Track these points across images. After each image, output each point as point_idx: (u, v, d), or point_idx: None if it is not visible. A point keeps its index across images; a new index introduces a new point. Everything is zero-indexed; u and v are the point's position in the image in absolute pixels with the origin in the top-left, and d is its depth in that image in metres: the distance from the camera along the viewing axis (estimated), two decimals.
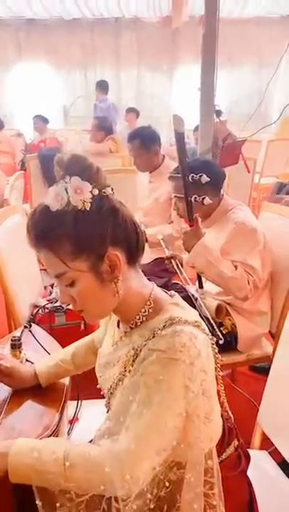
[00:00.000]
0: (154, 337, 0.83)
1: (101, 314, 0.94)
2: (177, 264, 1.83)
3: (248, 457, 1.04)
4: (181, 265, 1.84)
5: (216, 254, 1.63)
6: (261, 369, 2.28)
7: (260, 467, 1.24)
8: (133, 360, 0.86)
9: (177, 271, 1.80)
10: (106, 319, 1.06)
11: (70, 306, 0.90)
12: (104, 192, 0.83)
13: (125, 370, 0.88)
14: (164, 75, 9.07)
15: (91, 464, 0.78)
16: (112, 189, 0.85)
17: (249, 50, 8.41)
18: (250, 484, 1.02)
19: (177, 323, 0.82)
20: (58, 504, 0.77)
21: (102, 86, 6.59)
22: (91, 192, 0.80)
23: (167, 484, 0.84)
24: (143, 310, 0.88)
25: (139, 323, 0.89)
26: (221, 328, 1.73)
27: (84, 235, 0.80)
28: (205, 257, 1.61)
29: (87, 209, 0.80)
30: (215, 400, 0.91)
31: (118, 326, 0.98)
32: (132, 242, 0.86)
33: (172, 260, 1.86)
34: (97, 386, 1.02)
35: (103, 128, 4.36)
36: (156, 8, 7.64)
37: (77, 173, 0.80)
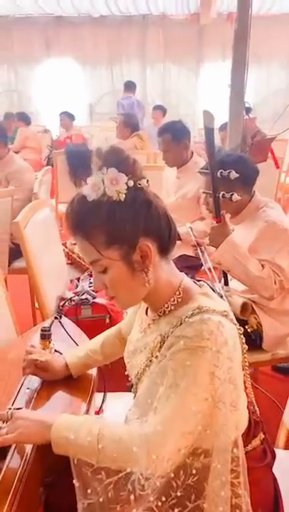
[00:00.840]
0: (181, 324, 0.85)
1: (131, 302, 0.96)
2: (202, 252, 1.81)
3: (273, 453, 1.04)
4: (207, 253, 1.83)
5: (244, 252, 1.61)
6: (284, 369, 2.26)
7: (285, 467, 1.23)
8: (160, 347, 0.89)
9: (201, 258, 1.79)
10: (135, 307, 1.09)
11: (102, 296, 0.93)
12: (139, 184, 0.85)
13: (152, 356, 0.91)
14: (191, 72, 9.02)
15: (121, 446, 0.81)
16: (148, 181, 0.87)
17: (277, 47, 8.27)
18: (275, 480, 1.02)
19: (205, 312, 0.84)
20: (89, 491, 0.80)
21: (128, 86, 6.67)
22: (126, 183, 0.83)
23: (194, 472, 0.86)
24: (172, 299, 0.91)
25: (167, 312, 0.92)
26: (246, 327, 1.72)
27: (117, 225, 0.83)
28: (232, 254, 1.60)
29: (122, 200, 0.82)
30: (241, 389, 0.92)
31: (146, 313, 1.00)
32: (164, 234, 0.88)
33: (198, 247, 1.85)
34: (126, 373, 1.05)
35: (129, 125, 4.38)
36: (184, 5, 7.60)
37: (115, 165, 0.83)
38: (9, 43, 8.72)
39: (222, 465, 0.83)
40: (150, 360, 0.91)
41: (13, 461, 0.89)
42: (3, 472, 0.86)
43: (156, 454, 0.79)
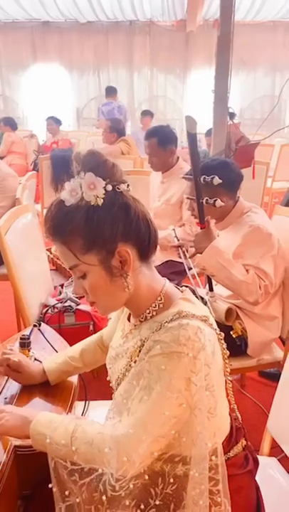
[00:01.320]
0: (160, 329, 0.84)
1: (112, 307, 0.96)
2: (184, 253, 1.81)
3: (256, 461, 1.03)
4: (189, 255, 1.82)
5: (228, 257, 1.61)
6: (271, 375, 2.26)
7: (268, 474, 1.22)
8: (139, 351, 0.88)
9: (183, 260, 1.78)
10: (118, 314, 1.08)
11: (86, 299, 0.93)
12: (118, 188, 0.84)
13: (131, 361, 0.90)
14: (177, 77, 9.09)
15: (93, 447, 0.82)
16: (128, 185, 0.86)
17: (262, 54, 8.39)
18: (258, 488, 1.01)
19: (184, 317, 0.83)
20: (66, 492, 0.82)
21: (109, 91, 6.81)
22: (104, 188, 0.82)
23: (172, 480, 0.85)
24: (153, 304, 0.90)
25: (149, 317, 0.91)
26: (231, 332, 1.71)
27: (95, 230, 0.82)
28: (216, 259, 1.59)
29: (100, 204, 0.81)
30: (222, 394, 0.91)
31: (129, 319, 1.00)
32: (144, 239, 0.87)
33: (180, 248, 1.85)
34: (107, 378, 1.04)
35: (115, 130, 4.39)
36: (171, 12, 7.67)
37: (93, 169, 0.82)
38: None
39: (200, 473, 0.82)
40: (130, 365, 0.91)
41: None
42: None
43: (127, 456, 0.79)
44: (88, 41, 8.60)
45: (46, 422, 0.87)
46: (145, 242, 0.87)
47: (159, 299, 0.90)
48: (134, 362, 0.89)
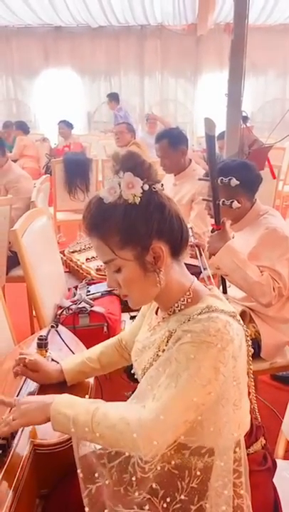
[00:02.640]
0: (189, 321, 0.87)
1: (143, 301, 0.99)
2: (200, 252, 1.81)
3: (274, 462, 1.04)
4: (205, 255, 1.83)
5: (243, 258, 1.61)
6: (284, 378, 2.25)
7: (284, 477, 1.21)
8: (167, 341, 0.91)
9: (199, 260, 1.78)
10: (143, 311, 1.11)
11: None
12: (154, 187, 0.88)
13: (159, 350, 0.93)
14: (188, 81, 9.11)
15: (116, 432, 0.83)
16: (162, 185, 0.90)
17: (274, 57, 8.38)
18: (275, 489, 1.02)
19: (214, 311, 0.86)
20: (96, 474, 0.84)
21: (114, 97, 7.05)
22: (142, 187, 0.85)
23: (198, 473, 0.87)
24: (182, 299, 0.93)
25: (177, 311, 0.94)
26: None
27: (132, 227, 0.86)
28: (231, 259, 1.59)
29: (137, 203, 0.85)
30: (244, 389, 0.93)
31: (156, 313, 1.02)
32: (177, 237, 0.91)
33: (196, 248, 1.85)
34: (132, 371, 1.06)
35: (132, 130, 4.51)
36: (182, 15, 7.69)
37: (131, 169, 0.86)
38: (9, 53, 8.80)
39: (225, 463, 0.85)
40: (157, 355, 0.93)
41: (8, 472, 0.87)
42: None
43: (157, 440, 0.81)
44: (100, 46, 8.67)
45: (66, 402, 0.90)
46: (178, 239, 0.91)
47: (188, 294, 0.93)
48: (162, 351, 0.92)
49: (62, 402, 0.90)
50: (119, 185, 0.85)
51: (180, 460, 0.89)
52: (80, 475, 0.84)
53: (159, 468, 0.84)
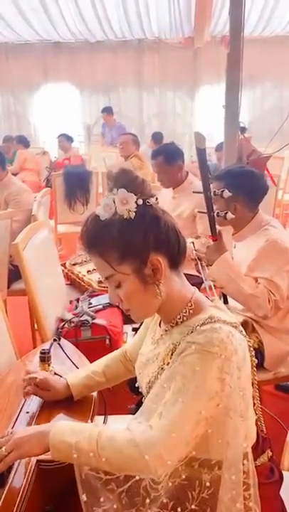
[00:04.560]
0: (192, 332, 0.87)
1: (146, 314, 0.99)
2: (203, 267, 1.82)
3: (281, 475, 1.03)
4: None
5: (237, 270, 1.62)
6: (288, 388, 2.23)
7: None
8: (172, 354, 0.91)
9: (202, 274, 1.79)
10: (146, 323, 1.11)
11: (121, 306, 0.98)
12: (148, 202, 0.89)
13: (164, 364, 0.93)
14: (186, 93, 9.20)
15: (125, 455, 0.82)
16: (157, 198, 0.91)
17: (270, 68, 8.47)
18: (283, 502, 1.01)
19: (217, 322, 0.86)
20: (101, 499, 0.82)
21: (109, 110, 7.30)
22: (136, 202, 0.87)
23: (208, 484, 0.87)
24: (184, 310, 0.94)
25: (179, 322, 0.94)
26: None
27: (128, 241, 0.87)
28: (226, 272, 1.60)
29: (132, 218, 0.86)
30: (250, 400, 0.93)
31: (160, 325, 1.03)
32: (174, 248, 0.92)
33: (199, 262, 1.86)
34: (136, 385, 1.06)
35: (137, 143, 4.55)
36: (178, 29, 7.80)
37: (125, 185, 0.87)
38: (8, 69, 8.90)
39: (235, 475, 0.84)
40: (162, 368, 0.93)
41: (12, 489, 0.87)
42: (1, 500, 0.84)
43: (171, 459, 0.81)
44: (98, 60, 8.78)
45: (66, 429, 0.87)
46: (175, 250, 0.92)
47: (189, 305, 0.94)
48: (167, 364, 0.91)
49: (62, 429, 0.87)
50: (114, 202, 0.87)
51: (189, 472, 0.88)
52: (84, 499, 0.82)
53: (170, 484, 0.84)
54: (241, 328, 0.92)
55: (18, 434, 0.90)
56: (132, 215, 0.86)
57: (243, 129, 2.64)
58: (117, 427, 0.89)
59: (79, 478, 0.83)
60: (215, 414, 0.83)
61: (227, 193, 1.59)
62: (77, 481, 0.83)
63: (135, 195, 0.87)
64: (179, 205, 2.62)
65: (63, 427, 0.88)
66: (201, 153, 1.46)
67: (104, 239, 0.88)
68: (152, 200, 0.90)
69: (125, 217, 0.86)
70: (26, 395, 1.13)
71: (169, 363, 0.91)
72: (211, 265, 1.65)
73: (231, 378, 0.82)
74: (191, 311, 0.93)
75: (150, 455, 0.80)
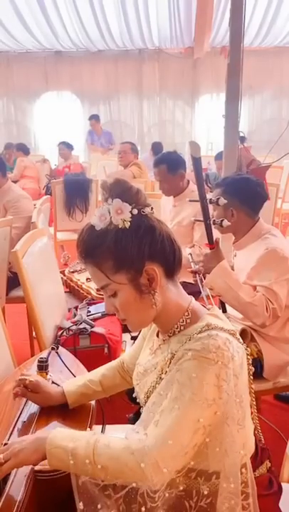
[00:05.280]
0: (190, 340, 0.87)
1: (142, 323, 0.99)
2: (201, 279, 1.82)
3: (280, 487, 1.02)
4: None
5: (235, 278, 1.61)
6: (287, 398, 2.22)
7: None
8: (170, 363, 0.91)
9: (200, 285, 1.79)
10: (143, 333, 1.11)
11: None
12: (143, 211, 0.89)
13: (162, 373, 0.93)
14: (186, 102, 9.27)
15: (121, 463, 0.81)
16: (152, 208, 0.92)
17: (269, 79, 8.55)
18: None
19: (214, 329, 0.86)
20: (99, 506, 0.82)
21: (97, 118, 7.50)
22: (131, 212, 0.87)
23: (206, 493, 0.86)
24: (181, 320, 0.94)
25: (177, 332, 0.94)
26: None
27: (124, 251, 0.87)
28: (223, 279, 1.60)
29: (127, 227, 0.86)
30: (247, 408, 0.93)
31: (157, 335, 1.02)
32: (169, 257, 0.92)
33: (197, 275, 1.86)
34: (133, 395, 1.05)
35: (136, 151, 4.59)
36: (179, 39, 7.89)
37: (120, 195, 0.88)
38: (10, 77, 8.98)
39: (234, 484, 0.84)
40: (160, 378, 0.93)
41: (8, 500, 0.85)
42: None
43: (166, 467, 0.80)
44: (99, 69, 8.86)
45: (64, 436, 0.87)
46: (170, 260, 0.92)
47: (186, 314, 0.94)
48: (165, 373, 0.91)
49: (59, 436, 0.87)
50: (109, 212, 0.87)
51: (187, 482, 0.87)
52: (81, 507, 0.81)
53: (167, 495, 0.83)
54: (239, 336, 0.92)
55: (15, 443, 0.89)
56: (127, 224, 0.86)
57: (243, 139, 2.66)
58: (116, 436, 0.89)
59: (75, 485, 0.83)
60: (213, 423, 0.83)
61: (222, 201, 1.60)
62: (73, 489, 0.83)
63: (130, 205, 0.87)
64: (179, 212, 2.63)
65: (60, 434, 0.88)
66: (197, 162, 1.47)
67: (100, 248, 0.88)
68: (147, 210, 0.90)
69: (120, 226, 0.87)
70: (15, 396, 1.12)
71: (166, 372, 0.91)
72: (208, 273, 1.65)
73: (228, 385, 0.82)
74: (188, 320, 0.93)
75: (146, 463, 0.79)
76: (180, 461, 0.82)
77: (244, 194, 1.66)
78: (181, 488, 0.86)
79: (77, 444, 0.83)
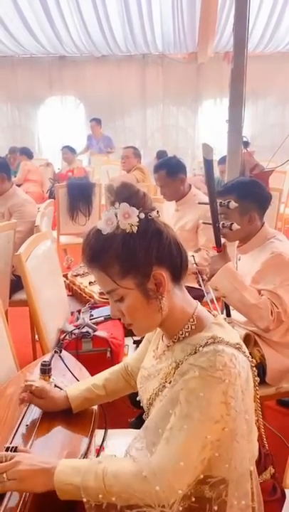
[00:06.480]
0: (195, 353, 0.86)
1: (148, 328, 0.99)
2: (203, 280, 1.82)
3: (283, 493, 1.01)
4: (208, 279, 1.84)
5: (240, 280, 1.61)
6: None
7: None
8: (174, 372, 0.90)
9: (202, 287, 1.79)
10: (148, 336, 1.11)
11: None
12: (150, 215, 0.89)
13: (166, 381, 0.92)
14: (189, 107, 9.29)
15: (135, 491, 0.81)
16: (158, 212, 0.91)
17: (273, 84, 8.57)
18: None
19: (219, 343, 0.85)
20: None
21: (98, 121, 7.54)
22: (138, 216, 0.86)
23: (216, 508, 0.86)
24: (186, 326, 0.93)
25: (181, 338, 0.93)
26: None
27: (131, 255, 0.87)
28: (229, 280, 1.60)
29: (135, 232, 0.86)
30: (252, 421, 0.92)
31: (162, 339, 1.02)
32: (176, 262, 0.91)
33: (199, 276, 1.86)
34: (137, 398, 1.05)
35: (139, 156, 4.61)
36: (182, 45, 7.91)
37: (127, 199, 0.87)
38: (14, 82, 9.03)
39: (245, 501, 0.84)
40: (163, 386, 0.93)
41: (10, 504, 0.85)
42: None
43: (181, 487, 0.80)
44: (102, 74, 8.89)
45: (70, 470, 0.84)
46: (177, 264, 0.92)
47: (191, 320, 0.93)
48: (169, 383, 0.91)
49: (65, 470, 0.84)
50: (116, 216, 0.86)
51: (199, 495, 0.87)
52: None
53: (181, 508, 0.83)
54: (244, 347, 0.91)
55: (22, 464, 0.85)
56: (135, 228, 0.86)
57: (246, 144, 2.67)
58: (120, 459, 0.88)
59: (88, 506, 0.81)
60: (221, 438, 0.82)
61: (233, 204, 1.59)
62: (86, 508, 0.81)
63: (137, 209, 0.87)
64: (182, 217, 2.63)
65: (65, 468, 0.85)
66: (208, 163, 1.47)
67: (107, 253, 0.87)
68: (154, 214, 0.90)
69: (128, 231, 0.86)
70: (21, 402, 1.11)
71: (170, 382, 0.90)
72: (214, 275, 1.64)
73: (236, 402, 0.82)
74: (193, 327, 0.92)
75: (161, 485, 0.79)
76: (191, 477, 0.82)
77: (259, 198, 1.67)
78: (193, 499, 0.86)
79: (86, 478, 0.82)
